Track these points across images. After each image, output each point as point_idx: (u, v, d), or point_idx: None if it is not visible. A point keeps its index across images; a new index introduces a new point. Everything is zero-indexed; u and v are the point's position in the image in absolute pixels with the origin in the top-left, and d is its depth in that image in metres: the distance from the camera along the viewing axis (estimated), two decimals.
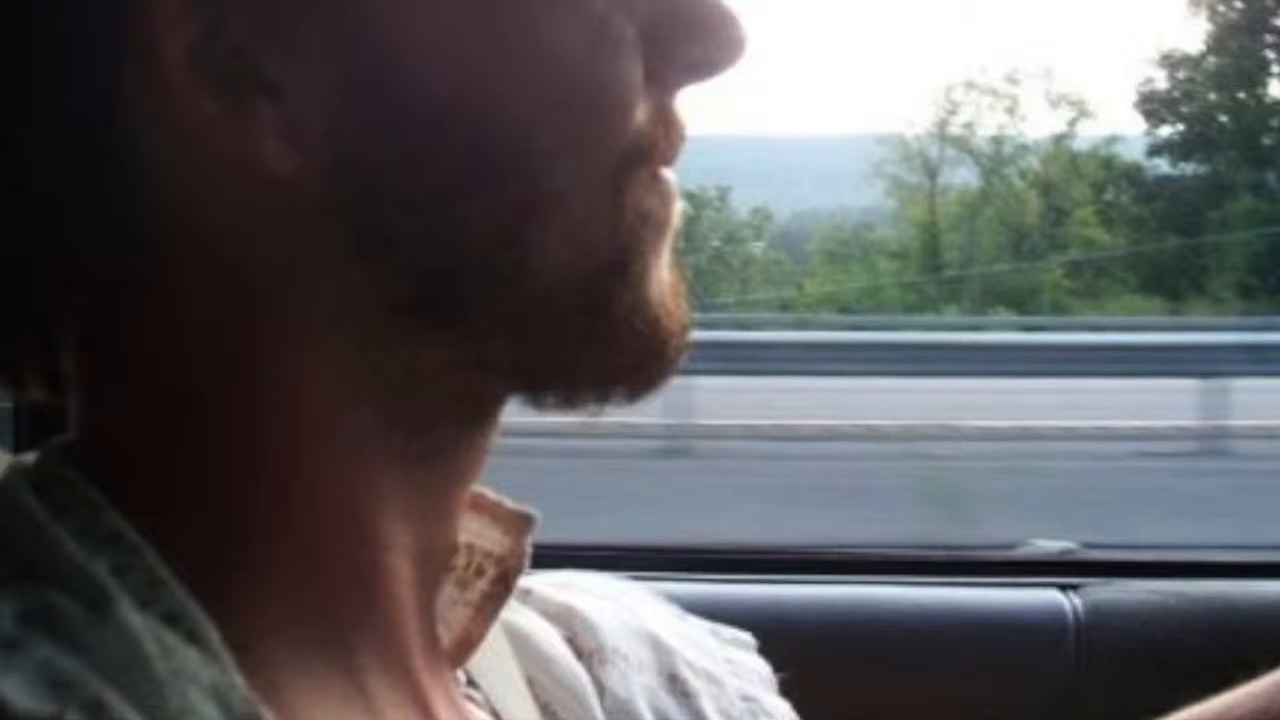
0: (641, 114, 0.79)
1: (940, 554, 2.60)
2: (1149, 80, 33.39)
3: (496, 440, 0.84)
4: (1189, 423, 14.37)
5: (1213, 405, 14.26)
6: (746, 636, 1.15)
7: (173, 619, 0.71)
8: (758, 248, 34.40)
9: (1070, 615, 2.20)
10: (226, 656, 0.71)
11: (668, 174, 0.81)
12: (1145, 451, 13.97)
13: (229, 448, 0.76)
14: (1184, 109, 33.11)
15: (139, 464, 0.76)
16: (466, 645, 0.90)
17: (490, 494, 0.90)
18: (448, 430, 0.80)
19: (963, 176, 34.62)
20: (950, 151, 34.38)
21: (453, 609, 0.88)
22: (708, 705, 1.05)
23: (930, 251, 33.29)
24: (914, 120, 34.82)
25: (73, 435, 0.79)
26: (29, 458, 0.79)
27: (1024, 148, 34.36)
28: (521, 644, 0.98)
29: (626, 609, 1.07)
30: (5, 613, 0.68)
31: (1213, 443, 14.09)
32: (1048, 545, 2.59)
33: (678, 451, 13.58)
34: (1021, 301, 29.97)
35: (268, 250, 0.74)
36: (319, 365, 0.76)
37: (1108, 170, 33.59)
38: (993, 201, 33.41)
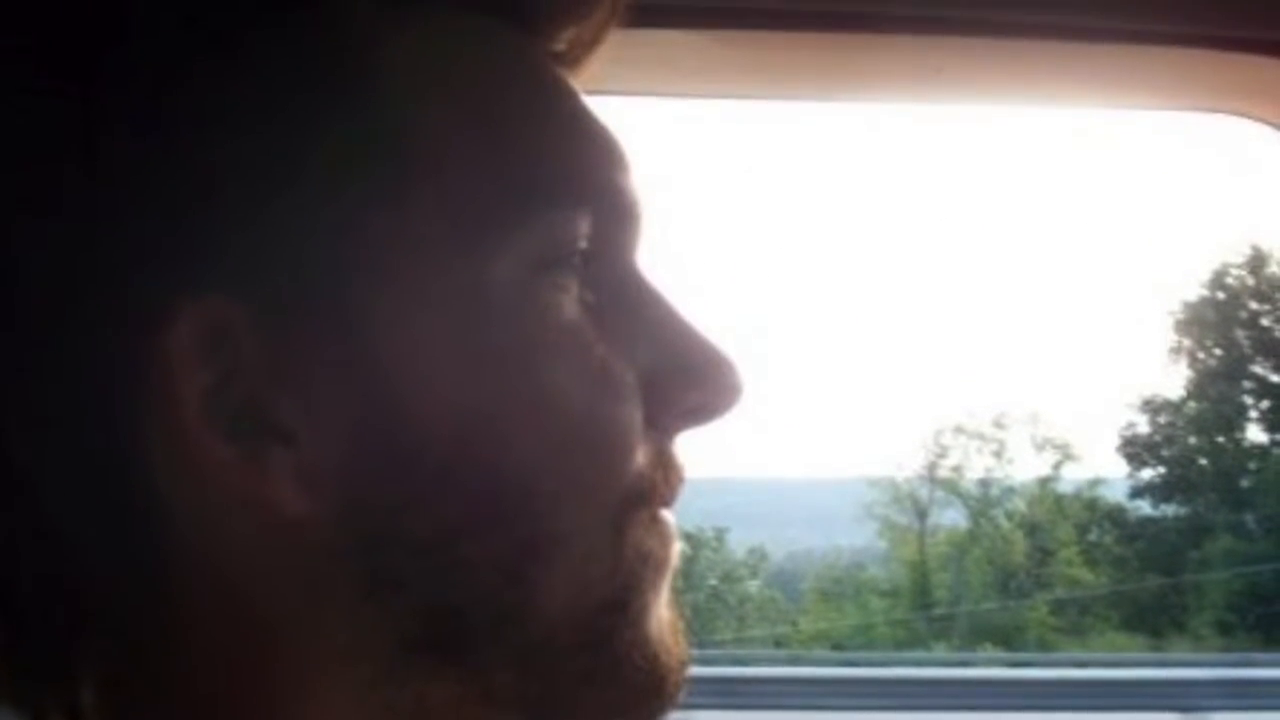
0: (641, 457, 0.79)
1: None
2: (1131, 424, 33.63)
3: None
4: None
5: None
6: None
7: None
8: (754, 586, 34.30)
9: None
10: None
11: (667, 515, 0.81)
12: None
13: None
14: (1165, 452, 33.27)
15: None
16: None
17: None
18: None
19: (951, 518, 34.67)
20: (939, 493, 34.47)
21: None
22: None
23: (920, 590, 33.17)
24: (904, 463, 34.95)
25: None
26: None
27: (1011, 490, 34.48)
28: None
29: None
30: None
31: None
32: None
33: None
34: (1008, 638, 29.79)
35: (281, 589, 0.74)
36: (332, 700, 0.75)
37: (1091, 512, 33.64)
38: (980, 542, 33.38)
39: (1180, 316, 33.61)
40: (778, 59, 1.38)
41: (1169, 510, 32.83)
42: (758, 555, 35.42)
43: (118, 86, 0.73)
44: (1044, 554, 32.80)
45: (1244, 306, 33.39)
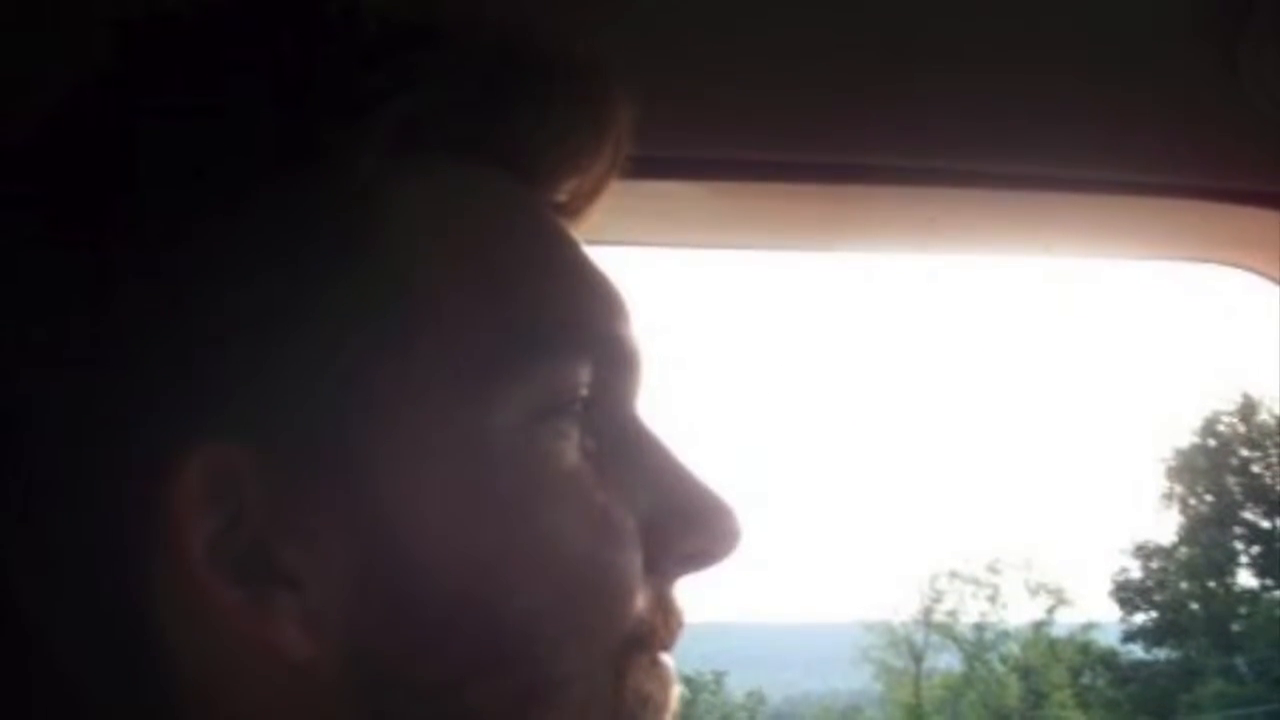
0: (642, 602, 0.78)
1: None
2: (1124, 570, 33.55)
3: None
4: None
5: None
6: None
7: None
8: None
9: None
10: None
11: (666, 659, 0.81)
12: None
13: None
14: (1157, 597, 33.20)
15: None
16: None
17: None
18: None
19: (947, 661, 34.54)
20: (935, 637, 34.35)
21: None
22: None
23: None
24: (900, 608, 34.85)
25: None
26: None
27: (1005, 634, 34.35)
28: None
29: None
30: None
31: None
32: None
33: None
34: None
35: None
36: None
37: (1084, 655, 33.52)
38: (975, 685, 33.23)
39: (1172, 463, 33.61)
40: (774, 210, 1.39)
41: (1161, 654, 32.69)
42: (756, 698, 35.26)
43: (126, 237, 0.73)
44: (1038, 697, 32.64)
45: (1235, 453, 33.40)
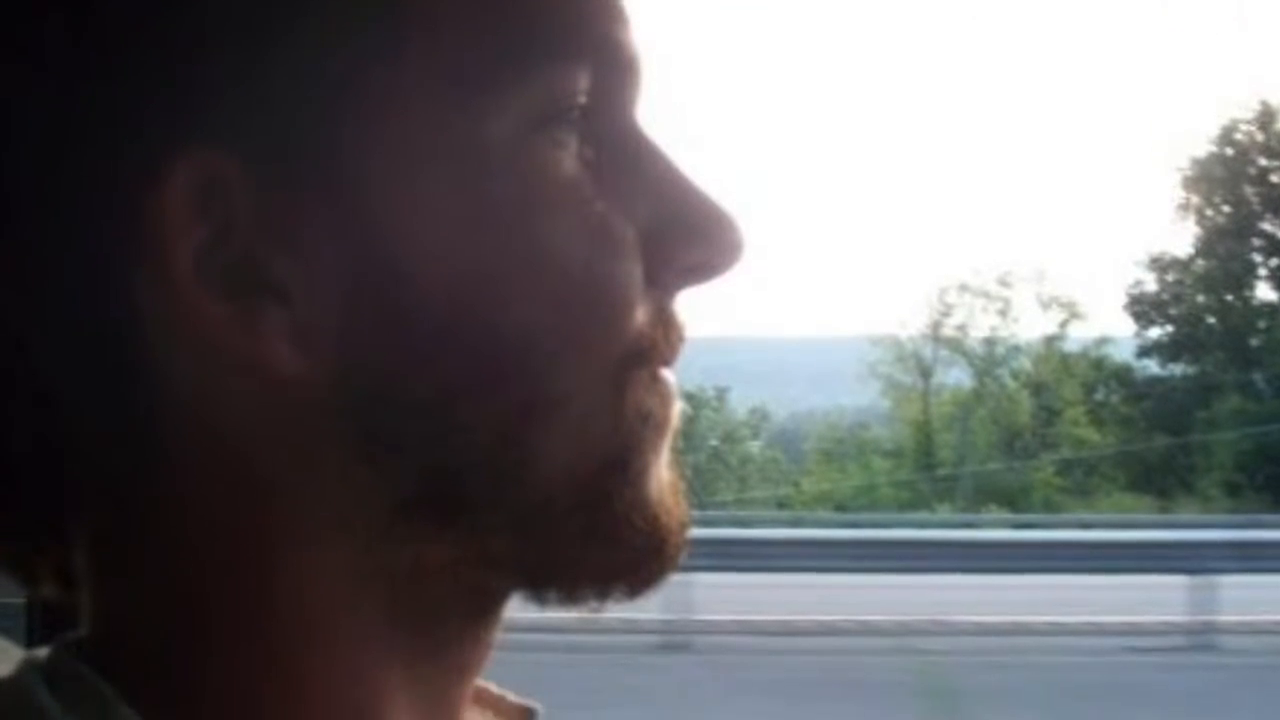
0: (642, 315, 0.78)
1: None
2: (1138, 283, 33.66)
3: (499, 635, 0.83)
4: (1177, 618, 14.33)
5: (1201, 601, 14.24)
6: None
7: None
8: (755, 447, 34.45)
9: None
10: None
11: (667, 374, 0.81)
12: (1134, 647, 13.92)
13: (237, 644, 0.75)
14: (1173, 311, 33.32)
15: (150, 659, 0.76)
16: None
17: (493, 688, 0.89)
18: (452, 625, 0.80)
19: (956, 377, 34.77)
20: (944, 353, 34.55)
21: None
22: None
23: (924, 450, 33.31)
24: (908, 322, 35.01)
25: (84, 630, 0.79)
26: (41, 653, 0.78)
27: (1016, 349, 34.56)
28: None
29: None
30: None
31: (1200, 638, 14.05)
32: None
33: (677, 646, 13.52)
34: (1013, 499, 29.95)
35: (275, 451, 0.74)
36: (326, 562, 0.75)
37: (1098, 371, 33.73)
38: (985, 402, 33.49)
39: (1189, 173, 33.52)
40: None
41: (1176, 369, 32.92)
42: (759, 415, 35.58)
43: None
44: (1050, 414, 32.93)
45: (1253, 162, 33.30)
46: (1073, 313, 33.71)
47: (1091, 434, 32.06)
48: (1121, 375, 33.22)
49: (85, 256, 0.72)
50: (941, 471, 32.31)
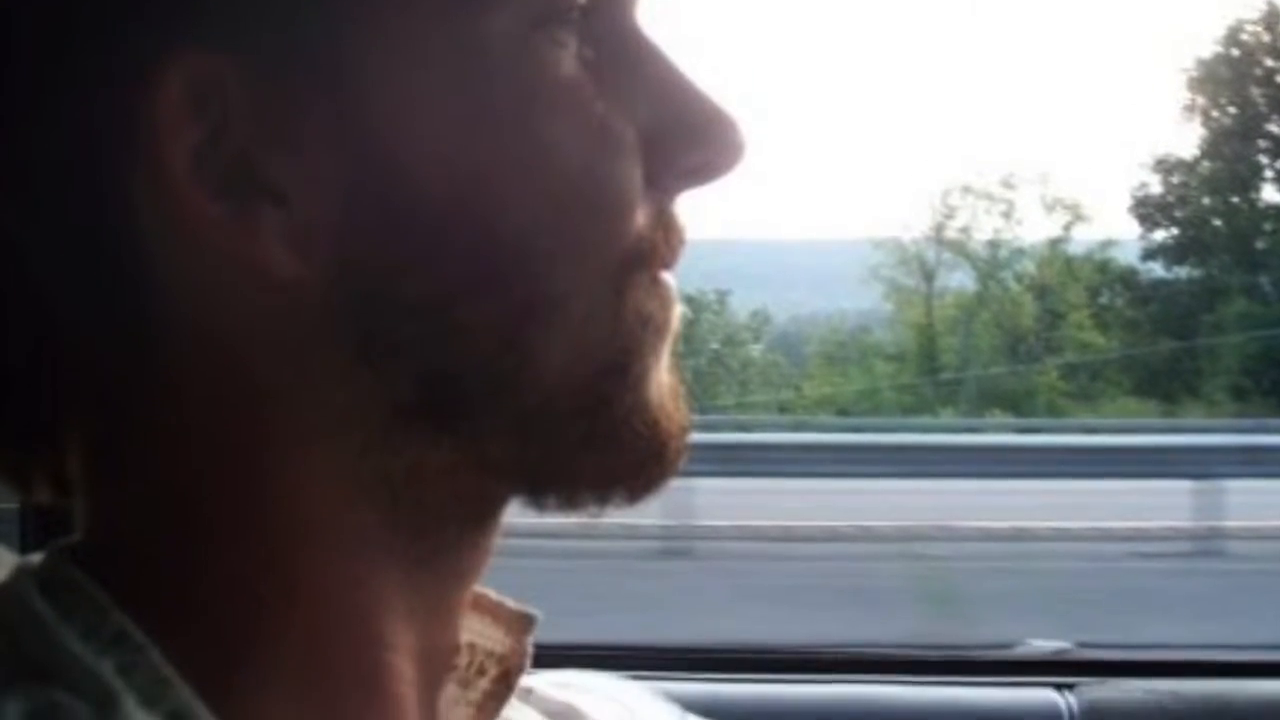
0: (642, 218, 0.79)
1: (937, 654, 2.59)
2: (1144, 185, 33.52)
3: (498, 541, 0.83)
4: (1183, 524, 14.35)
5: (1206, 506, 14.25)
6: None
7: (177, 717, 0.71)
8: (756, 351, 34.42)
9: (1066, 714, 2.20)
10: None
11: (667, 277, 0.81)
12: (1139, 552, 13.94)
13: (233, 548, 0.76)
14: (1178, 213, 33.22)
15: (145, 564, 0.76)
16: None
17: (492, 594, 0.89)
18: (450, 531, 0.80)
19: (959, 280, 34.70)
20: (947, 255, 34.47)
21: (455, 708, 0.88)
22: None
23: (927, 354, 33.30)
24: (910, 224, 34.91)
25: (79, 535, 0.79)
26: (36, 558, 0.78)
27: (1020, 252, 34.46)
28: None
29: (627, 708, 1.06)
30: (13, 712, 0.68)
31: (1206, 543, 14.06)
32: (1043, 645, 2.58)
33: (677, 552, 13.55)
34: (1017, 404, 29.94)
35: (272, 353, 0.74)
36: (323, 467, 0.76)
37: (1103, 274, 33.66)
38: (989, 305, 33.45)
39: (1194, 73, 33.35)
40: None
41: (1182, 273, 32.84)
42: (760, 318, 35.51)
43: None
44: (1054, 317, 32.88)
45: (1260, 63, 33.12)
46: (1077, 215, 33.63)
47: (1096, 338, 32.03)
48: (1126, 278, 33.14)
49: (81, 160, 0.72)
50: (944, 376, 32.32)
